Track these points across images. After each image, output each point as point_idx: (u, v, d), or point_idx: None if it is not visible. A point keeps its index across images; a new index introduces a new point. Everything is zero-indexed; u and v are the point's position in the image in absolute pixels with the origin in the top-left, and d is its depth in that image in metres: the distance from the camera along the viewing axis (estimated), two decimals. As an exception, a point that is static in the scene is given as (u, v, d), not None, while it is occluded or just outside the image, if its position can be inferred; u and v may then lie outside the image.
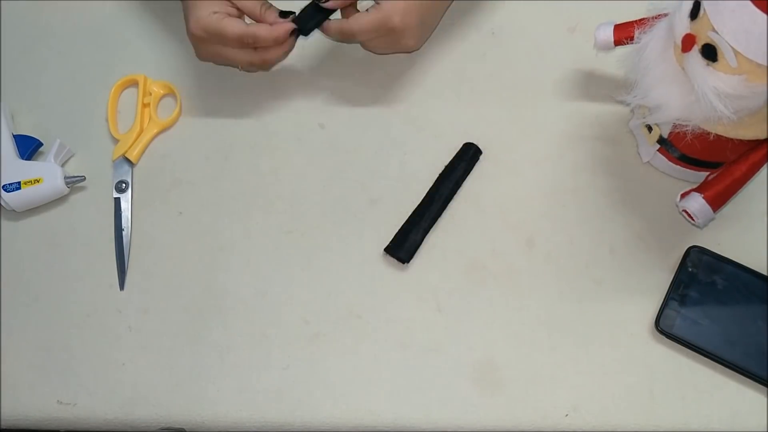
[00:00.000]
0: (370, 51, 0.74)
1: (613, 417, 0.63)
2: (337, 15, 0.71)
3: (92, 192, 0.74)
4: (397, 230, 0.70)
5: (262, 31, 0.68)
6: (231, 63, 0.72)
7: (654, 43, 0.57)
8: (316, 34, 0.72)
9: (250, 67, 0.74)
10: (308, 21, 0.70)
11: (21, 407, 0.67)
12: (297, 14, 0.70)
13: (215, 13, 0.68)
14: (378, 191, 0.72)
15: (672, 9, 0.56)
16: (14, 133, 0.74)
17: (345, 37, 0.70)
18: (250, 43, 0.69)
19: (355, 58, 0.76)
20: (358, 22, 0.68)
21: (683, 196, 0.63)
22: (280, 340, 0.67)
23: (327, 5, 0.69)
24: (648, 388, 0.64)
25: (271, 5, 0.71)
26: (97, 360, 0.68)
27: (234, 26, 0.68)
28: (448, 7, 0.75)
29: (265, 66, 0.74)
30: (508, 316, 0.67)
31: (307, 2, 0.70)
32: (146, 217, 0.73)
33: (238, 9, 0.70)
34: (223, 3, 0.69)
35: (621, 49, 0.64)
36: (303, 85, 0.76)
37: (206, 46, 0.70)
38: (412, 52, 0.74)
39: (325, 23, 0.70)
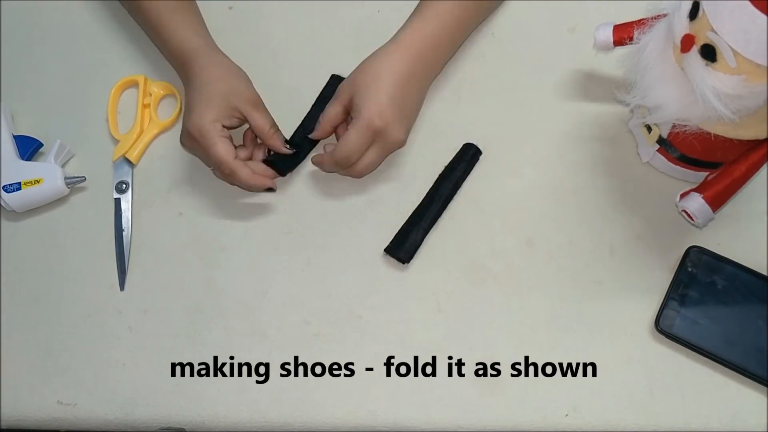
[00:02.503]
0: (369, 169, 0.70)
1: (613, 417, 0.63)
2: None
3: (92, 192, 0.75)
4: (397, 230, 0.70)
5: (243, 174, 0.67)
6: (210, 162, 0.69)
7: (653, 44, 0.57)
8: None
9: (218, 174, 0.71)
10: (294, 157, 0.72)
11: (21, 407, 0.67)
12: (287, 145, 0.71)
13: (216, 122, 0.67)
14: (378, 191, 0.72)
15: (671, 9, 0.56)
16: (14, 134, 0.74)
17: (341, 163, 0.68)
18: (224, 175, 0.68)
19: (354, 58, 0.75)
20: (346, 140, 0.67)
21: (683, 196, 0.63)
22: (280, 340, 0.67)
23: (314, 136, 0.71)
24: (648, 388, 0.64)
25: (278, 130, 0.70)
26: (97, 360, 0.68)
27: (221, 151, 0.66)
28: (424, 89, 0.72)
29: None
30: (508, 316, 0.67)
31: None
32: (146, 217, 0.73)
33: (244, 121, 0.70)
34: (233, 112, 0.68)
35: (620, 50, 0.64)
36: (303, 85, 0.76)
37: (192, 144, 0.69)
38: (403, 146, 0.71)
39: (318, 158, 0.71)
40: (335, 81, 0.75)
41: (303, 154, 0.73)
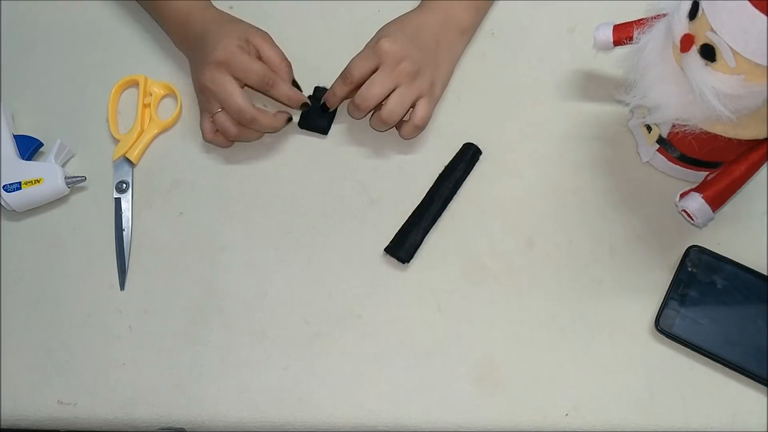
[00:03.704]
0: (377, 98, 0.69)
1: (613, 417, 0.63)
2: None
3: (93, 192, 0.75)
4: (397, 230, 0.70)
5: (283, 82, 0.71)
6: (230, 101, 0.69)
7: (653, 44, 0.57)
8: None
9: (229, 125, 0.70)
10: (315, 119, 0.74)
11: (21, 407, 0.67)
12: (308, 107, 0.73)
13: (240, 47, 0.69)
14: (378, 191, 0.72)
15: (671, 9, 0.56)
16: (14, 134, 0.74)
17: (348, 78, 0.70)
18: (266, 86, 0.70)
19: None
20: (354, 59, 0.70)
21: (683, 195, 0.64)
22: (280, 340, 0.68)
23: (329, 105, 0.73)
24: (648, 388, 0.64)
25: (289, 65, 0.72)
26: (97, 360, 0.68)
27: (259, 64, 0.69)
28: (447, 43, 0.73)
29: (247, 130, 0.72)
30: (508, 316, 0.67)
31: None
32: (147, 217, 0.73)
33: (258, 56, 0.71)
34: (249, 46, 0.71)
35: (620, 50, 0.64)
36: (303, 86, 0.76)
37: (220, 74, 0.69)
38: (423, 87, 0.71)
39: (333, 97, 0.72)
40: (319, 93, 0.75)
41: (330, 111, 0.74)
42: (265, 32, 0.73)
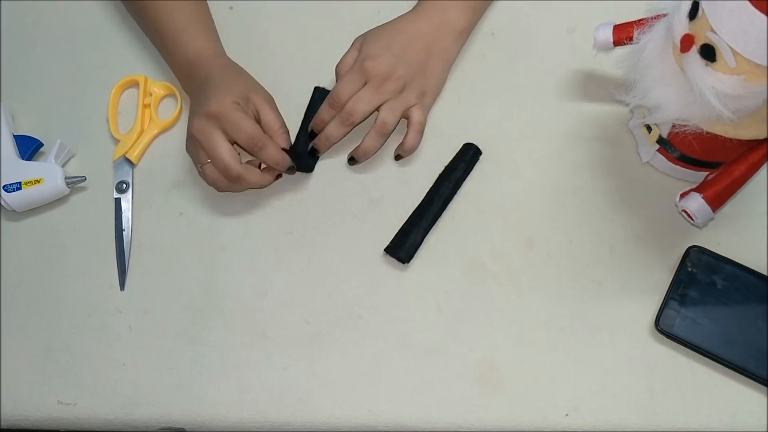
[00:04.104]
0: (362, 110, 0.70)
1: (613, 417, 0.63)
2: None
3: (93, 192, 0.75)
4: (397, 230, 0.70)
5: (272, 146, 0.68)
6: (216, 155, 0.66)
7: (653, 44, 0.57)
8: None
9: (218, 177, 0.68)
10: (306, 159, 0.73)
11: (21, 407, 0.67)
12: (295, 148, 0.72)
13: (237, 103, 0.67)
14: (378, 191, 0.72)
15: (671, 9, 0.56)
16: (14, 134, 0.74)
17: (336, 104, 0.70)
18: (255, 147, 0.67)
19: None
20: (342, 79, 0.70)
21: (683, 196, 0.63)
22: (280, 340, 0.68)
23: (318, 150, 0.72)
24: (648, 388, 0.64)
25: (287, 131, 0.70)
26: (97, 360, 0.68)
27: (251, 124, 0.67)
28: (439, 50, 0.72)
29: (236, 185, 0.69)
30: (508, 316, 0.67)
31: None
32: (147, 217, 0.73)
33: (256, 116, 0.70)
34: (248, 105, 0.69)
35: (620, 50, 0.64)
36: (303, 85, 0.76)
37: (209, 126, 0.66)
38: (412, 97, 0.71)
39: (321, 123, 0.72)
40: (319, 93, 0.75)
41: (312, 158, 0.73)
42: (269, 94, 0.72)
